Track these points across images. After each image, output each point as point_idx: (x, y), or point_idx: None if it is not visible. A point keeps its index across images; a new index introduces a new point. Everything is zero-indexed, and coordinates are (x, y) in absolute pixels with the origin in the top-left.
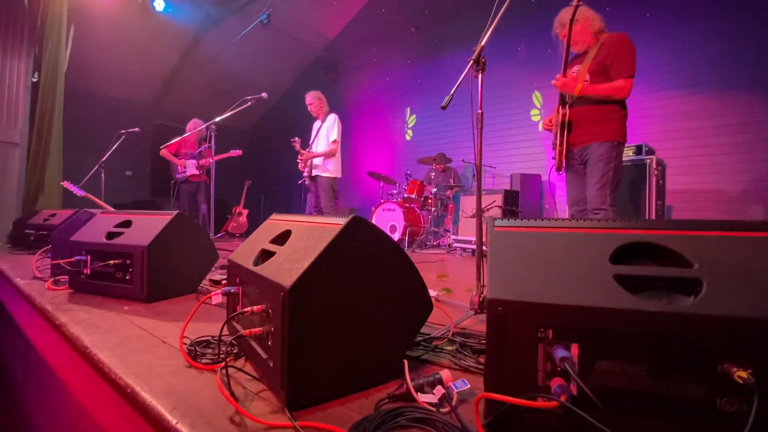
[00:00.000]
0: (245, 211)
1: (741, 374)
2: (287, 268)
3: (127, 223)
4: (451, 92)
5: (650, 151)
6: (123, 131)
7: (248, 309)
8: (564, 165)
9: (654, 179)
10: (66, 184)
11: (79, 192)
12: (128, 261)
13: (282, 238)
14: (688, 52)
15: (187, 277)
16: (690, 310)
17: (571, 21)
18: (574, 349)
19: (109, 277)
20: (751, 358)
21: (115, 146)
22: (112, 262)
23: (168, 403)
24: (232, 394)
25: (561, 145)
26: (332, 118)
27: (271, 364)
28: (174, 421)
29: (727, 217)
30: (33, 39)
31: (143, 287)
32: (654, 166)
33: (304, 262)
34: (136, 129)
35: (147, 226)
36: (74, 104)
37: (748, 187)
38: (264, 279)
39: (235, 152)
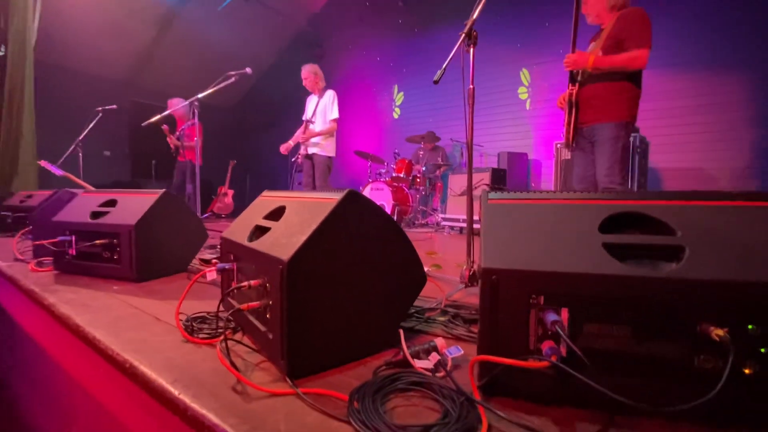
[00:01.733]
0: (230, 192)
1: (718, 332)
2: (284, 242)
3: (112, 203)
4: (443, 66)
5: (634, 129)
6: (100, 108)
7: (245, 284)
8: (573, 142)
9: (637, 157)
10: (44, 163)
11: (57, 171)
12: (115, 240)
13: (276, 214)
14: (667, 33)
15: (177, 256)
16: (672, 274)
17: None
18: (564, 313)
19: (95, 257)
20: (727, 318)
21: (92, 124)
22: (98, 241)
23: (169, 376)
24: (233, 364)
25: (570, 123)
26: (330, 95)
27: (270, 336)
28: (177, 392)
29: None
30: None
31: (132, 266)
32: (637, 144)
33: (301, 236)
34: (114, 106)
35: (133, 205)
36: (46, 80)
37: (725, 165)
38: (261, 254)
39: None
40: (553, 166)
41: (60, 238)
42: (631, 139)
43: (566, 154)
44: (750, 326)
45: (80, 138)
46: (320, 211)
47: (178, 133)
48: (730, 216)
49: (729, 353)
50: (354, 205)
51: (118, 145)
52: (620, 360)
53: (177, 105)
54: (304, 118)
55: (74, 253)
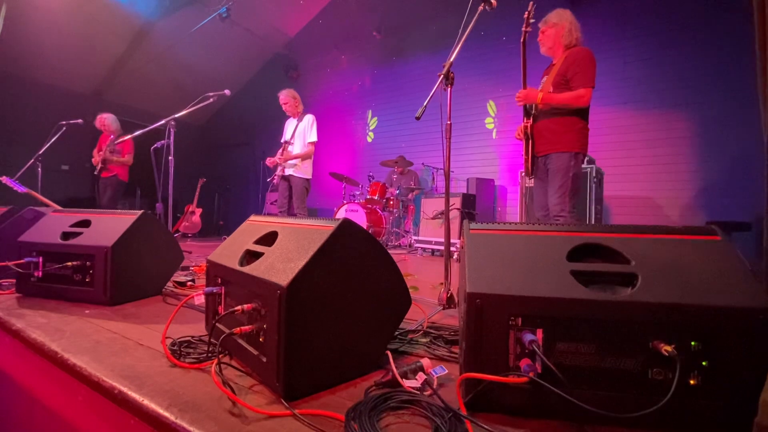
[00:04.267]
0: (198, 210)
1: (667, 348)
2: (281, 267)
3: (85, 223)
4: (424, 104)
5: (591, 161)
6: (64, 122)
7: (239, 308)
8: (531, 171)
9: (593, 186)
10: (5, 180)
11: (20, 189)
12: (89, 262)
13: (268, 239)
14: (623, 74)
15: (152, 278)
16: (628, 298)
17: (524, 43)
18: (539, 333)
19: (65, 280)
20: (674, 335)
21: (54, 138)
22: (70, 263)
23: (162, 401)
24: (230, 387)
25: (527, 153)
26: (310, 119)
27: (264, 359)
28: (173, 417)
29: (654, 219)
30: None
31: (106, 290)
32: (593, 174)
33: (298, 262)
34: (80, 120)
35: (109, 226)
36: (4, 91)
37: (672, 195)
38: (255, 278)
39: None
40: (518, 192)
41: (26, 259)
42: (588, 169)
43: (530, 182)
44: (693, 342)
45: (40, 152)
46: (316, 238)
47: (108, 147)
48: (674, 247)
49: (676, 366)
50: (348, 232)
51: (78, 160)
52: (588, 374)
53: (107, 120)
54: (282, 141)
55: (41, 275)
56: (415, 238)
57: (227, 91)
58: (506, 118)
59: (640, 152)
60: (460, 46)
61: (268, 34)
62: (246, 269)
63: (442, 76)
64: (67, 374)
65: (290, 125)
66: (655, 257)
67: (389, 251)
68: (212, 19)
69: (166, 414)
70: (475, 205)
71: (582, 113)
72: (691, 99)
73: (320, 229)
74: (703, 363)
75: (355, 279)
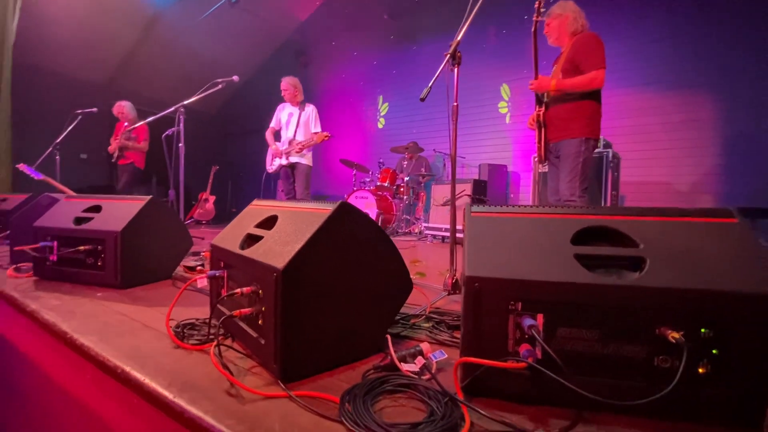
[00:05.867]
0: (212, 198)
1: (674, 335)
2: (278, 251)
3: (96, 208)
4: (429, 85)
5: (607, 145)
6: (80, 111)
7: (237, 291)
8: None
9: (609, 171)
10: (22, 167)
11: (37, 175)
12: (100, 247)
13: (268, 223)
14: (643, 54)
15: (162, 263)
16: (635, 283)
17: (534, 32)
18: (540, 318)
19: (78, 264)
20: (683, 322)
21: (71, 127)
22: (82, 248)
23: (162, 381)
24: (227, 368)
25: (540, 141)
26: (314, 110)
27: (263, 342)
28: (171, 396)
29: (675, 205)
30: None
31: (117, 273)
32: (610, 159)
33: (295, 245)
34: (94, 109)
35: (119, 211)
36: (23, 81)
37: (694, 180)
38: (254, 262)
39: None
40: (531, 178)
41: (41, 243)
42: (604, 154)
43: (543, 168)
44: (703, 330)
45: (58, 141)
46: (313, 221)
47: (124, 134)
48: (686, 230)
49: (683, 354)
50: (346, 215)
51: (96, 148)
52: (589, 361)
53: (125, 108)
54: (274, 127)
55: (55, 259)
56: (426, 224)
57: (236, 77)
58: (520, 102)
59: (661, 136)
60: (467, 24)
61: (278, 19)
62: (245, 252)
63: (448, 55)
64: (76, 354)
65: (286, 112)
66: (666, 240)
67: (399, 238)
68: (221, 5)
69: (165, 393)
70: (486, 191)
71: (594, 96)
72: (717, 79)
73: (318, 213)
74: (714, 351)
75: (354, 262)
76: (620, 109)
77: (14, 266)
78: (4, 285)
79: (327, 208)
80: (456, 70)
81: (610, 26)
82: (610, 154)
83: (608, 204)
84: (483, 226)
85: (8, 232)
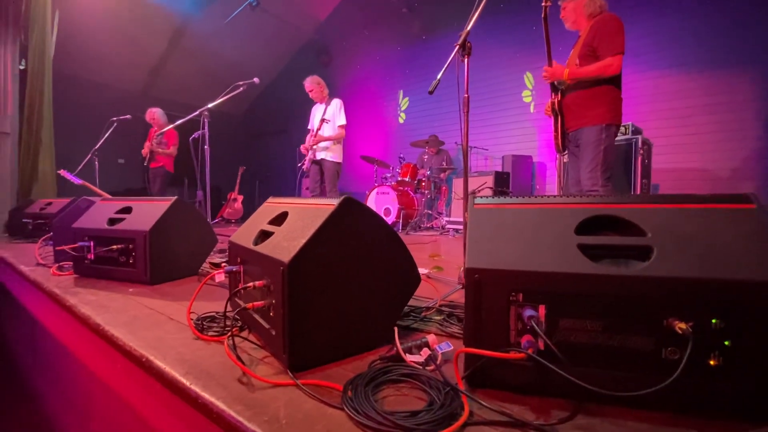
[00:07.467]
0: (240, 197)
1: (681, 326)
2: (285, 245)
3: (127, 210)
4: (438, 77)
5: (637, 131)
6: (115, 118)
7: (250, 285)
8: (562, 148)
9: (639, 158)
10: (63, 173)
11: (76, 180)
12: (131, 246)
13: (279, 219)
14: (673, 32)
15: (188, 260)
16: (641, 273)
17: (545, 18)
18: (542, 309)
19: (112, 262)
20: (692, 313)
21: (107, 134)
22: (115, 247)
23: (181, 369)
24: (239, 359)
25: (557, 130)
26: (338, 103)
27: (273, 333)
28: (188, 383)
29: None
30: (18, 26)
31: (146, 270)
32: (639, 145)
33: (300, 240)
34: (128, 116)
35: (147, 212)
36: (63, 91)
37: (734, 165)
38: (264, 256)
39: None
40: (556, 168)
41: (79, 243)
42: (633, 140)
43: (565, 157)
44: (714, 320)
45: (96, 147)
46: (319, 216)
47: (155, 139)
48: (699, 218)
49: (689, 345)
50: (350, 210)
51: (132, 153)
52: (592, 352)
53: (156, 114)
54: (309, 128)
55: (92, 257)
56: (447, 219)
57: (256, 80)
58: (545, 90)
59: (698, 119)
60: (477, 14)
61: (299, 20)
62: (258, 248)
63: (458, 46)
64: (108, 344)
65: (318, 111)
66: (676, 228)
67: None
68: (243, 9)
69: (182, 380)
70: (510, 183)
71: (614, 81)
72: (755, 56)
73: (323, 208)
74: (726, 343)
75: (359, 255)
76: (651, 93)
77: (57, 265)
78: (48, 282)
79: (332, 203)
80: (466, 60)
81: (637, 3)
82: (640, 141)
83: (639, 192)
84: (485, 218)
85: (51, 233)
